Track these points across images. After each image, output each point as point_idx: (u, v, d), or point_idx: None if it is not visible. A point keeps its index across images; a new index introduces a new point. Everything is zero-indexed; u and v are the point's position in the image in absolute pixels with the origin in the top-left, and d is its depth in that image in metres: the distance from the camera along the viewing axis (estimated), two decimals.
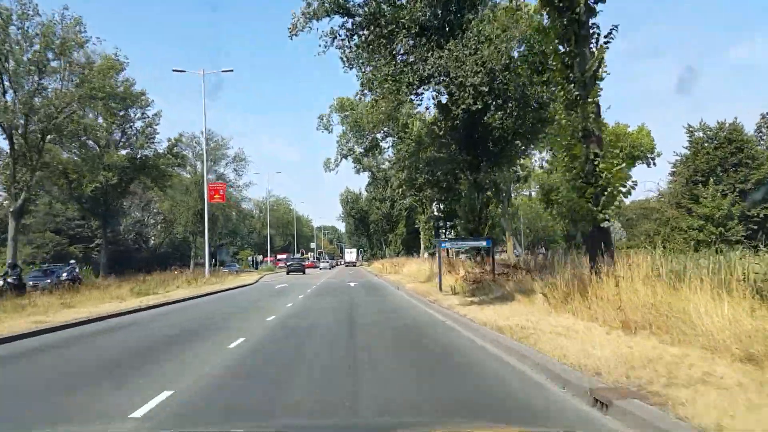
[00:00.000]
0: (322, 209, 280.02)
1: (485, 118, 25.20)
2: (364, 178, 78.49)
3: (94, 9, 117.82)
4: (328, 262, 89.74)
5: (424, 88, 24.24)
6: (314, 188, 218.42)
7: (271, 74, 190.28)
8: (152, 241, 79.91)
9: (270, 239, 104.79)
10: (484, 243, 20.29)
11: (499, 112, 24.89)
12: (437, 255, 26.09)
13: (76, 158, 47.27)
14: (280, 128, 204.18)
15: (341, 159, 40.58)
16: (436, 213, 51.55)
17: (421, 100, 24.64)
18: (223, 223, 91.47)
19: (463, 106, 20.91)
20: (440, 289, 20.06)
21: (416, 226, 68.06)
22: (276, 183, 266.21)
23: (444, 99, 24.49)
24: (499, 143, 25.35)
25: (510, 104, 23.64)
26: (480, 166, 25.15)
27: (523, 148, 26.80)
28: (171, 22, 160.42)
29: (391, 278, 34.72)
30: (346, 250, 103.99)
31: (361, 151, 40.41)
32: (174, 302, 20.57)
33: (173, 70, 36.68)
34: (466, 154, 25.02)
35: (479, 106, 20.77)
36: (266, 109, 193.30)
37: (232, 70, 38.74)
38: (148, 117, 49.33)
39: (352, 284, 31.01)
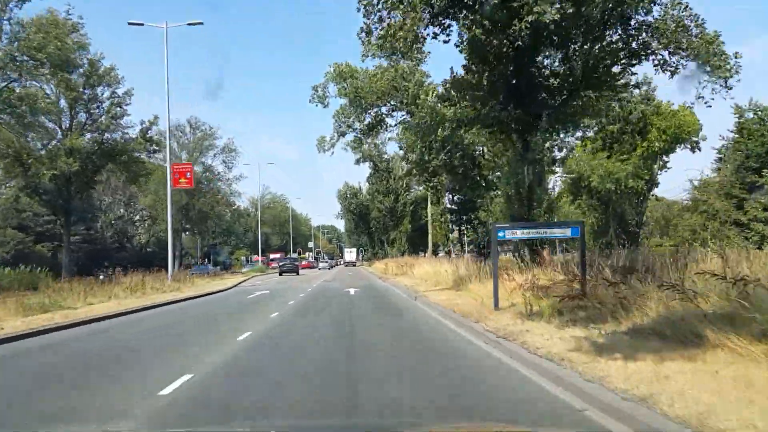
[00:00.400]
0: (322, 208, 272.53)
1: (538, 58, 17.19)
2: (365, 169, 70.40)
3: (93, 9, 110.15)
4: (327, 261, 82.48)
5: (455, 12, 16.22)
6: (314, 187, 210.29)
7: (271, 74, 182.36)
8: (137, 240, 71.54)
9: (266, 238, 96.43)
10: (567, 231, 11.94)
11: (560, 52, 16.88)
12: (491, 251, 18.20)
13: (30, 141, 39.34)
14: (280, 128, 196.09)
15: (338, 137, 32.41)
16: (449, 205, 43.51)
17: (449, 35, 16.57)
18: (216, 221, 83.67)
19: (528, 18, 12.82)
20: (495, 305, 11.92)
21: (422, 221, 59.96)
22: (274, 180, 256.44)
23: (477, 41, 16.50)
24: (559, 94, 17.24)
25: (578, 35, 15.61)
26: (536, 124, 17.01)
27: (594, 101, 18.35)
28: (167, 20, 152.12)
29: (400, 282, 26.59)
30: (346, 250, 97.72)
31: (363, 128, 32.27)
32: (59, 328, 12.38)
33: (129, 23, 28.50)
34: (513, 108, 16.87)
35: (554, 17, 12.67)
36: (266, 108, 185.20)
37: (201, 23, 30.61)
38: (118, 96, 41.23)
39: (352, 291, 22.88)
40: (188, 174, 29.96)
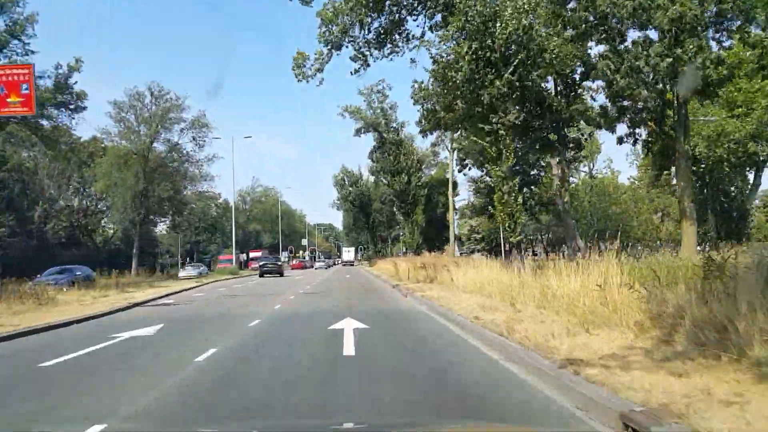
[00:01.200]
0: (322, 207, 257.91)
1: None
2: (365, 147, 55.39)
3: (93, 8, 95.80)
4: (324, 261, 70.81)
5: None
6: (313, 186, 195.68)
7: (270, 74, 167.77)
8: (99, 234, 56.56)
9: (256, 235, 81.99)
10: None
11: None
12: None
13: None
14: (279, 127, 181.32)
15: (329, 53, 17.90)
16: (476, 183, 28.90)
17: None
18: (200, 216, 69.19)
19: None
20: None
21: (438, 211, 45.34)
22: (273, 179, 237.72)
23: None
24: None
25: None
26: None
27: None
28: (169, 22, 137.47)
29: (454, 307, 11.71)
30: (344, 249, 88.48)
31: (369, 37, 17.73)
32: None
33: None
34: None
35: None
36: (266, 108, 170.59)
37: None
38: (16, 23, 26.66)
39: (349, 351, 7.87)
40: (25, 87, 14.81)
